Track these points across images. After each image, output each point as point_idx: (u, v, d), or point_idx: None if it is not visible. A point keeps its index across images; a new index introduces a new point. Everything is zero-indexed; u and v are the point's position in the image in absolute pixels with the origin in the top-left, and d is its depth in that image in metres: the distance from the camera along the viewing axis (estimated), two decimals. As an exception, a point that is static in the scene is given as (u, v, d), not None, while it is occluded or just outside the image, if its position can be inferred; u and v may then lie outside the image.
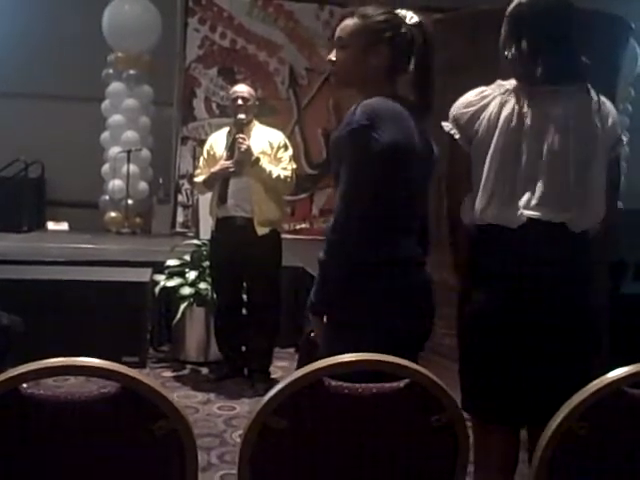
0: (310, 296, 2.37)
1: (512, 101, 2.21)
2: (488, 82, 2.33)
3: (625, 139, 2.48)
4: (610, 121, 2.27)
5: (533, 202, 2.19)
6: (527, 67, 2.22)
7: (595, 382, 1.58)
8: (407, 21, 2.34)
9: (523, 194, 2.19)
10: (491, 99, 2.25)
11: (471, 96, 2.30)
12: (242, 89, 5.00)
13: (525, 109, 2.19)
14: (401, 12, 2.36)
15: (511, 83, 2.25)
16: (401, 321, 2.30)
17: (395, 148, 2.23)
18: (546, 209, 2.19)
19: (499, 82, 2.28)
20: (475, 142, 2.26)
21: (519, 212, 2.19)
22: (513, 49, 2.25)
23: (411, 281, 2.36)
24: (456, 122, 2.30)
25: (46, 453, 1.46)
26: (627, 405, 1.60)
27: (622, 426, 1.61)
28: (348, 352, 2.29)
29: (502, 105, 2.22)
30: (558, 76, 2.22)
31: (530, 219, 2.18)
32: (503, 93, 2.24)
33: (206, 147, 5.16)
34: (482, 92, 2.29)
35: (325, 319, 2.38)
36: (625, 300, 5.24)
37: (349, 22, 2.38)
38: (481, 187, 2.22)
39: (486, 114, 2.23)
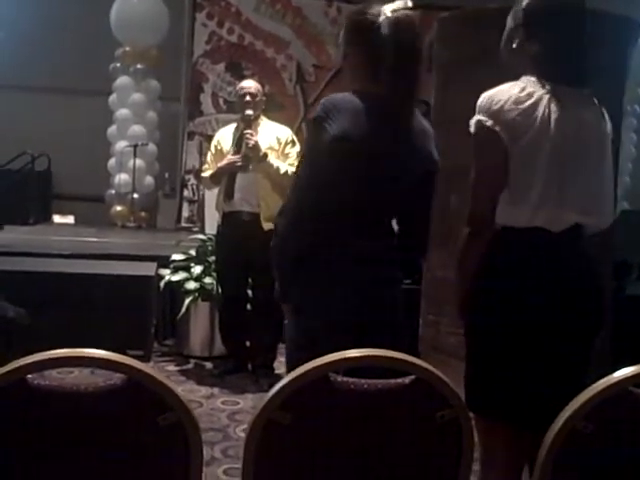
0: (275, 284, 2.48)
1: (556, 103, 2.17)
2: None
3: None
4: (609, 124, 2.29)
5: (580, 207, 2.18)
6: (549, 66, 2.20)
7: (601, 382, 1.58)
8: (383, 16, 2.29)
9: (572, 199, 2.18)
10: (538, 98, 2.16)
11: (516, 92, 2.18)
12: (250, 85, 5.01)
13: (567, 113, 2.17)
14: (381, 7, 2.32)
15: (541, 82, 2.20)
16: (334, 312, 2.33)
17: (343, 140, 2.25)
18: (591, 216, 2.20)
19: (530, 78, 2.22)
20: (524, 142, 2.16)
21: (569, 217, 2.17)
22: (533, 46, 2.23)
23: (342, 274, 2.35)
24: (499, 117, 2.17)
25: (52, 444, 1.46)
26: (632, 405, 1.59)
27: (627, 425, 1.61)
28: (295, 338, 2.40)
29: (550, 106, 2.16)
30: (573, 77, 2.22)
31: (575, 224, 2.19)
32: (547, 93, 2.17)
33: (213, 142, 5.17)
34: (525, 89, 2.19)
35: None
36: (629, 301, 5.24)
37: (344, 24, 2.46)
38: (534, 190, 2.16)
39: (538, 114, 2.15)
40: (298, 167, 2.47)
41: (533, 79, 2.21)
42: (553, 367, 2.19)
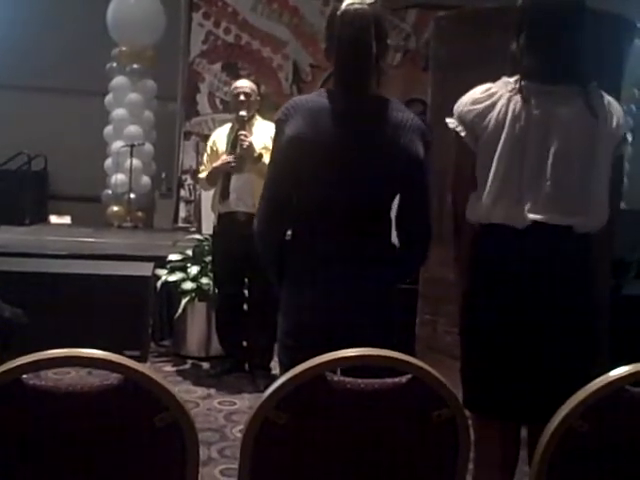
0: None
1: (518, 100, 2.18)
2: (491, 79, 2.30)
3: (629, 139, 2.47)
4: (615, 122, 2.25)
5: (539, 205, 2.18)
6: (528, 63, 2.21)
7: (597, 381, 1.58)
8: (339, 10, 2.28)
9: (529, 196, 2.18)
10: (498, 97, 2.21)
11: (477, 93, 2.26)
12: (244, 84, 5.00)
13: (531, 109, 2.17)
14: (342, 5, 2.29)
15: (516, 81, 2.22)
16: (307, 313, 2.35)
17: (297, 140, 2.28)
18: (552, 212, 2.18)
19: (505, 79, 2.25)
20: (482, 141, 2.23)
21: (524, 214, 2.18)
22: (514, 44, 2.25)
23: (313, 275, 2.35)
24: (462, 119, 2.27)
25: (47, 444, 1.46)
26: (628, 404, 1.59)
27: (623, 424, 1.61)
28: (281, 339, 2.44)
29: (509, 104, 2.19)
30: (559, 74, 2.20)
31: (536, 221, 2.18)
32: (510, 91, 2.20)
33: (209, 143, 5.17)
34: (489, 89, 2.25)
35: None
36: (627, 300, 5.24)
37: None
38: (488, 186, 2.21)
39: (494, 113, 2.20)
40: (268, 166, 2.50)
41: (507, 79, 2.24)
42: (546, 365, 2.19)
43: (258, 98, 5.02)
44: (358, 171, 2.30)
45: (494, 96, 2.22)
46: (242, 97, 4.89)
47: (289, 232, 2.48)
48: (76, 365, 1.54)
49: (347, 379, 1.57)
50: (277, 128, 2.38)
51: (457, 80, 4.39)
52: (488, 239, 2.25)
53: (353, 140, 2.29)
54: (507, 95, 2.20)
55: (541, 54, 2.21)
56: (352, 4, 2.25)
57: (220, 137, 5.05)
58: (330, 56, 2.34)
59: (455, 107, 2.31)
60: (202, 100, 9.88)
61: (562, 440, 1.58)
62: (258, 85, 5.18)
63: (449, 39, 4.59)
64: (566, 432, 1.57)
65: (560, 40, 2.21)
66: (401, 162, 2.31)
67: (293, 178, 2.34)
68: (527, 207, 2.17)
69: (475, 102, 2.25)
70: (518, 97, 2.19)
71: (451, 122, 2.30)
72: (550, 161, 2.17)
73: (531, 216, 2.17)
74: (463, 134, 2.26)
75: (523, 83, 2.19)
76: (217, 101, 9.84)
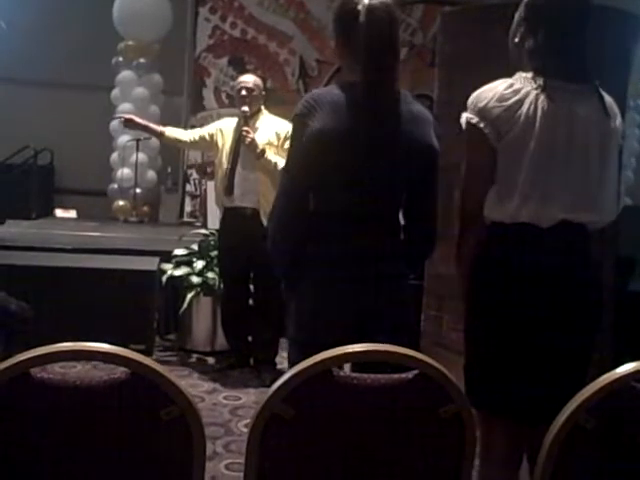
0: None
1: (545, 99, 2.17)
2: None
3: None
4: (619, 119, 2.27)
5: (567, 204, 2.17)
6: (549, 61, 2.20)
7: (603, 377, 1.58)
8: (361, 5, 2.26)
9: (556, 195, 2.18)
10: (525, 95, 2.17)
11: (502, 89, 2.21)
12: (247, 79, 4.99)
13: (557, 108, 2.16)
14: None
15: (535, 78, 2.20)
16: (329, 312, 2.30)
17: (325, 134, 2.23)
18: (578, 211, 2.19)
19: (522, 74, 2.23)
20: (509, 139, 2.18)
21: (554, 213, 2.17)
22: (531, 40, 2.23)
23: (337, 271, 2.31)
24: (484, 115, 2.20)
25: (54, 437, 1.46)
26: (635, 400, 1.59)
27: (629, 421, 1.61)
28: (295, 337, 2.38)
29: (537, 102, 2.16)
30: (578, 73, 2.21)
31: (562, 220, 2.18)
32: (536, 89, 2.17)
33: (214, 125, 5.23)
34: (512, 86, 2.20)
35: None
36: (633, 296, 5.23)
37: None
38: (520, 185, 2.16)
39: (523, 111, 2.16)
40: (285, 167, 2.41)
41: (526, 75, 2.22)
42: (547, 361, 2.19)
43: (263, 93, 5.01)
44: (383, 167, 2.30)
45: (519, 93, 2.18)
46: (243, 92, 4.88)
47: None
48: (83, 359, 1.55)
49: (353, 374, 1.58)
50: (297, 123, 2.30)
51: (463, 76, 4.39)
52: (507, 238, 2.22)
53: (377, 136, 2.28)
54: (534, 93, 2.17)
55: (562, 52, 2.19)
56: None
57: (227, 130, 5.04)
58: (344, 51, 2.35)
59: (473, 102, 2.24)
60: (208, 95, 9.88)
61: (568, 436, 1.58)
62: (264, 80, 5.17)
63: (455, 35, 4.57)
64: (572, 428, 1.58)
65: (577, 38, 2.21)
66: (418, 156, 2.32)
67: (316, 176, 2.28)
68: (555, 206, 2.17)
69: (501, 99, 2.19)
70: (544, 95, 2.16)
71: (470, 118, 2.23)
72: (575, 160, 2.18)
73: (559, 215, 2.17)
74: (487, 130, 2.19)
75: (547, 81, 2.17)
76: (223, 96, 9.83)
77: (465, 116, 2.25)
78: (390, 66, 2.28)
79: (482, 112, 2.20)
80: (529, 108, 2.16)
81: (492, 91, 2.21)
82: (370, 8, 2.24)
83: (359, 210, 2.31)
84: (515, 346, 2.19)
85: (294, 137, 2.34)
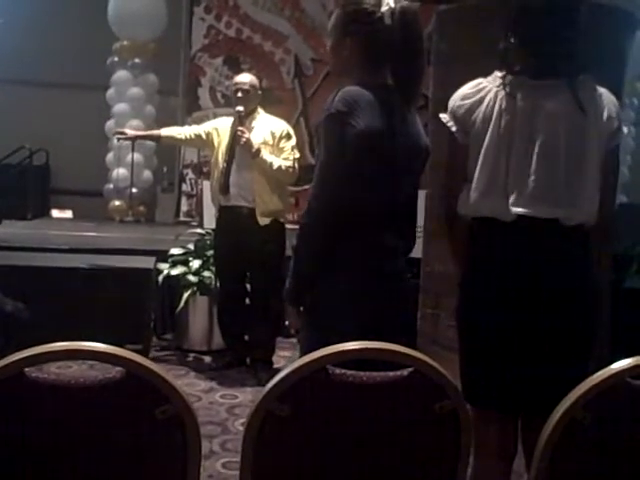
0: (286, 285, 2.38)
1: (505, 94, 2.20)
2: (491, 74, 2.31)
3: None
4: (606, 114, 2.24)
5: (524, 198, 2.18)
6: (514, 58, 2.23)
7: (599, 373, 1.59)
8: (386, 6, 2.28)
9: (514, 189, 2.19)
10: (486, 92, 2.23)
11: (467, 88, 2.28)
12: (243, 79, 4.98)
13: (517, 103, 2.18)
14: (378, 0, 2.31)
15: (503, 76, 2.23)
16: (370, 312, 2.30)
17: (371, 135, 2.24)
18: (536, 206, 2.18)
19: (496, 74, 2.26)
20: (471, 135, 2.25)
21: (512, 207, 2.19)
22: (505, 40, 2.26)
23: (381, 271, 2.33)
24: (453, 114, 2.28)
25: (49, 437, 1.46)
26: (630, 396, 1.60)
27: (625, 417, 1.62)
28: (322, 342, 2.32)
29: (496, 98, 2.20)
30: (545, 69, 2.21)
31: (522, 215, 2.19)
32: (497, 86, 2.22)
33: (210, 124, 5.24)
34: (478, 84, 2.27)
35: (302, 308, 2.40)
36: (628, 293, 5.24)
37: (334, 14, 2.44)
38: (475, 180, 2.22)
39: (482, 107, 2.22)
40: (322, 165, 2.31)
41: (498, 74, 2.25)
42: (541, 358, 2.20)
43: (259, 92, 5.01)
44: (409, 164, 2.38)
45: (482, 91, 2.24)
46: (239, 94, 4.89)
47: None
48: (78, 358, 1.55)
49: (349, 372, 1.58)
50: (337, 121, 2.24)
51: (458, 74, 4.37)
52: (480, 233, 2.27)
53: (407, 136, 2.34)
54: (495, 90, 2.22)
55: (527, 49, 2.22)
56: (399, 0, 2.29)
57: (223, 129, 5.04)
58: (360, 52, 2.34)
59: (448, 103, 2.31)
60: (204, 94, 9.89)
61: (564, 432, 1.58)
62: (259, 79, 5.17)
63: (450, 33, 4.57)
64: (568, 424, 1.58)
65: (545, 35, 2.21)
66: (424, 155, 2.44)
67: (356, 176, 2.26)
68: (512, 200, 2.18)
69: (465, 97, 2.27)
70: (504, 91, 2.20)
71: (443, 117, 2.31)
72: (535, 154, 2.18)
73: (515, 209, 2.18)
74: (454, 129, 2.28)
75: (509, 78, 2.20)
76: (219, 95, 9.84)
77: (441, 117, 2.33)
78: (421, 70, 2.35)
79: (451, 112, 2.29)
80: (487, 104, 2.22)
81: (460, 91, 2.30)
82: (402, 11, 2.27)
83: (392, 210, 2.34)
84: (499, 344, 2.21)
85: (331, 134, 2.27)
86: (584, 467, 1.63)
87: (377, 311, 2.31)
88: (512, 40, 2.24)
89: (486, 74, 2.31)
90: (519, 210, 2.18)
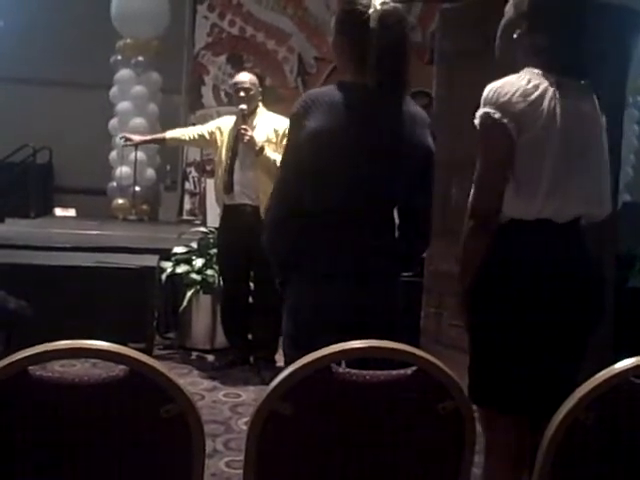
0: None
1: (560, 95, 2.16)
2: (495, 72, 2.28)
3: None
4: (603, 116, 2.30)
5: (583, 199, 2.20)
6: (555, 58, 2.20)
7: (602, 373, 1.58)
8: (372, 8, 2.28)
9: (577, 191, 2.19)
10: (544, 91, 2.16)
11: (524, 84, 2.17)
12: (243, 78, 4.99)
13: (570, 105, 2.17)
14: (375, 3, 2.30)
15: (544, 74, 2.19)
16: (324, 309, 2.32)
17: (321, 134, 2.25)
18: (591, 206, 2.23)
19: (532, 70, 2.20)
20: (531, 135, 2.16)
21: (572, 209, 2.19)
22: (536, 38, 2.22)
23: (346, 268, 2.33)
24: (507, 109, 2.15)
25: (53, 436, 1.46)
26: (634, 396, 1.59)
27: (629, 416, 1.61)
28: (292, 335, 2.41)
29: (555, 98, 2.15)
30: (579, 70, 2.22)
31: (577, 215, 2.21)
32: (551, 86, 2.16)
33: (214, 123, 5.25)
34: (531, 81, 2.18)
35: None
36: (632, 292, 5.23)
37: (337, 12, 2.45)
38: (543, 181, 2.15)
39: (544, 107, 2.15)
40: (281, 165, 2.46)
41: (536, 71, 2.20)
42: (558, 358, 2.20)
43: (260, 90, 5.01)
44: (378, 168, 2.33)
45: (539, 89, 2.16)
46: (242, 93, 4.91)
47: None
48: (82, 357, 1.55)
49: (352, 371, 1.58)
50: (294, 123, 2.34)
51: (462, 72, 4.39)
52: (525, 235, 2.20)
53: (374, 136, 2.31)
54: (551, 90, 2.16)
55: (569, 49, 2.21)
56: (386, 3, 2.28)
57: (226, 128, 5.04)
58: (348, 52, 2.36)
59: (494, 97, 2.18)
60: (207, 93, 9.87)
61: (568, 432, 1.58)
62: (259, 77, 5.17)
63: (454, 31, 4.58)
64: (572, 424, 1.58)
65: (579, 35, 2.22)
66: (417, 157, 2.37)
67: (311, 175, 2.30)
68: (574, 202, 2.19)
69: (525, 94, 2.15)
70: (559, 92, 2.16)
71: (493, 112, 2.17)
72: (587, 155, 2.21)
73: (576, 211, 2.20)
74: (510, 125, 2.15)
75: (560, 79, 2.18)
76: (222, 94, 9.82)
77: (484, 111, 2.19)
78: (399, 70, 2.32)
79: (505, 107, 2.15)
80: (549, 104, 2.15)
81: (514, 86, 2.17)
82: (384, 14, 2.26)
83: (353, 209, 2.33)
84: (525, 344, 2.19)
85: (290, 136, 2.38)
86: (587, 468, 1.63)
87: (339, 308, 2.32)
88: (544, 37, 2.21)
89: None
90: (579, 211, 2.20)
